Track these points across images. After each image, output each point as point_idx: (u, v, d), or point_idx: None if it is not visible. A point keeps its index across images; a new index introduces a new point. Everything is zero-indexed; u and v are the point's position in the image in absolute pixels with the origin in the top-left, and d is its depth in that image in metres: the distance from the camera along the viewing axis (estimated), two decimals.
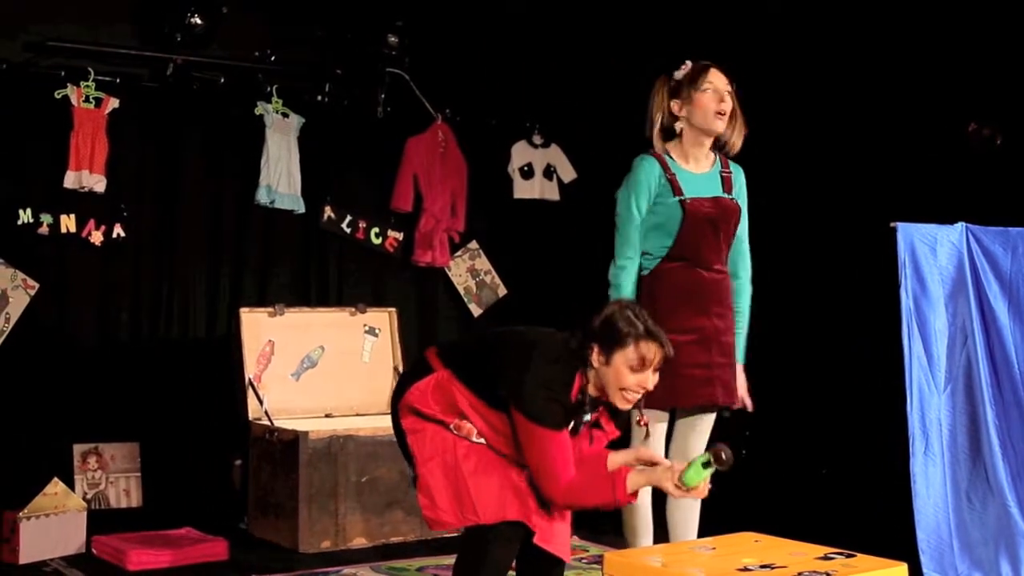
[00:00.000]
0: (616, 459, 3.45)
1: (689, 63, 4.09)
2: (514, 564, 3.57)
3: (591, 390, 3.43)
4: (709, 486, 3.38)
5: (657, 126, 4.12)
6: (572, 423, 3.43)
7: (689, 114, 4.05)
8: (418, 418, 3.50)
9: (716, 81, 4.03)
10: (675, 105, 4.07)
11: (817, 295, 6.15)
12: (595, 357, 3.39)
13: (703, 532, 4.20)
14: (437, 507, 3.45)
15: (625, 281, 4.02)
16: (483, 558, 3.39)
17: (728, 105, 4.04)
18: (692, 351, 4.01)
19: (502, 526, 3.39)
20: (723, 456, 3.30)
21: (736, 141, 4.13)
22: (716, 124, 4.04)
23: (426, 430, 3.49)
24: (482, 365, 3.49)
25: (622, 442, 3.73)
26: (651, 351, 3.36)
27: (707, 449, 3.57)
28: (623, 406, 3.44)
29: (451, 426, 3.47)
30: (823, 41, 6.12)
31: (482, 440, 3.47)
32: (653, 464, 3.43)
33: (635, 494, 3.37)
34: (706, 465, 3.30)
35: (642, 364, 3.35)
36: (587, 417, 3.47)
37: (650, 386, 3.40)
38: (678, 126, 4.09)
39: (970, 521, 4.82)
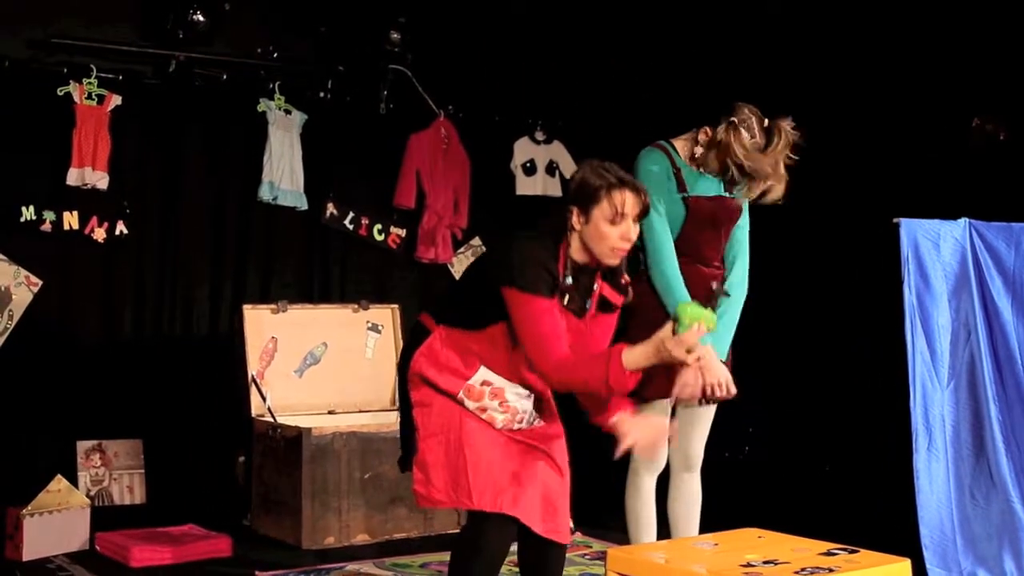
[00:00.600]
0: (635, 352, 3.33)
1: (759, 150, 3.97)
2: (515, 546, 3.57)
3: (577, 256, 3.40)
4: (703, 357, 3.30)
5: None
6: (568, 297, 3.39)
7: (710, 171, 4.01)
8: (429, 389, 3.46)
9: (754, 191, 4.02)
10: (711, 158, 3.98)
11: (820, 291, 6.15)
12: (575, 219, 3.37)
13: (706, 528, 4.19)
14: (431, 484, 3.43)
15: (674, 272, 3.98)
16: (478, 546, 3.38)
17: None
18: None
19: (497, 515, 3.37)
20: (720, 295, 3.30)
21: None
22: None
23: (433, 405, 3.45)
24: (470, 287, 3.50)
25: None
26: (626, 199, 3.34)
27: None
28: (611, 262, 3.41)
29: (460, 394, 3.43)
30: (825, 38, 6.11)
31: (495, 402, 3.44)
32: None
33: (635, 376, 3.26)
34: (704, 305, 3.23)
35: (620, 214, 3.34)
36: (569, 280, 3.38)
37: (632, 236, 3.37)
38: (698, 142, 4.05)
39: (973, 517, 4.82)
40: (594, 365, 3.28)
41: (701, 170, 4.03)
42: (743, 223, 4.20)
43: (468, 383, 3.44)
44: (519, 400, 3.50)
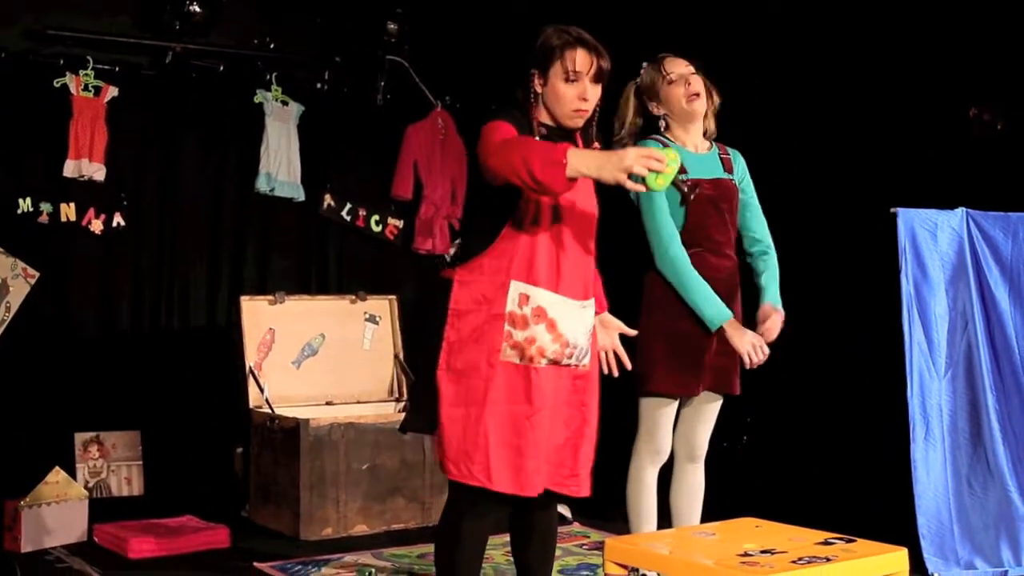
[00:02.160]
0: None
1: (646, 63, 4.12)
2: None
3: (545, 119, 3.38)
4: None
5: (626, 128, 4.14)
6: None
7: (668, 108, 4.08)
8: (460, 355, 3.31)
9: (675, 68, 4.06)
10: (653, 106, 4.10)
11: (818, 281, 6.14)
12: (536, 83, 3.36)
13: (704, 517, 4.20)
14: (447, 456, 3.31)
15: (678, 254, 3.98)
16: (457, 536, 3.36)
17: (696, 86, 4.06)
18: (700, 340, 4.01)
19: (479, 500, 3.32)
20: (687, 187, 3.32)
21: (710, 124, 4.15)
22: (694, 108, 4.07)
23: (460, 373, 3.31)
24: (469, 201, 3.45)
25: None
26: (581, 58, 3.30)
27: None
28: (573, 124, 3.36)
29: (504, 327, 3.29)
30: (823, 27, 6.10)
31: (541, 326, 3.29)
32: None
33: (568, 181, 3.04)
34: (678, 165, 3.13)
35: (575, 73, 3.30)
36: (541, 135, 3.33)
37: (589, 96, 3.33)
38: (661, 123, 4.11)
39: (971, 506, 4.83)
40: (540, 143, 3.15)
41: (684, 146, 4.06)
42: (756, 206, 4.21)
43: (509, 311, 3.30)
44: (567, 320, 3.35)
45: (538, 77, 3.35)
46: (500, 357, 3.30)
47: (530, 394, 3.33)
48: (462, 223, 3.69)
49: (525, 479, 3.31)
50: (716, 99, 4.13)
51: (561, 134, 3.37)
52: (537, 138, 3.31)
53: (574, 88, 3.32)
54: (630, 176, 3.05)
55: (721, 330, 3.98)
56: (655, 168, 3.05)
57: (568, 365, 3.39)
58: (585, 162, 3.04)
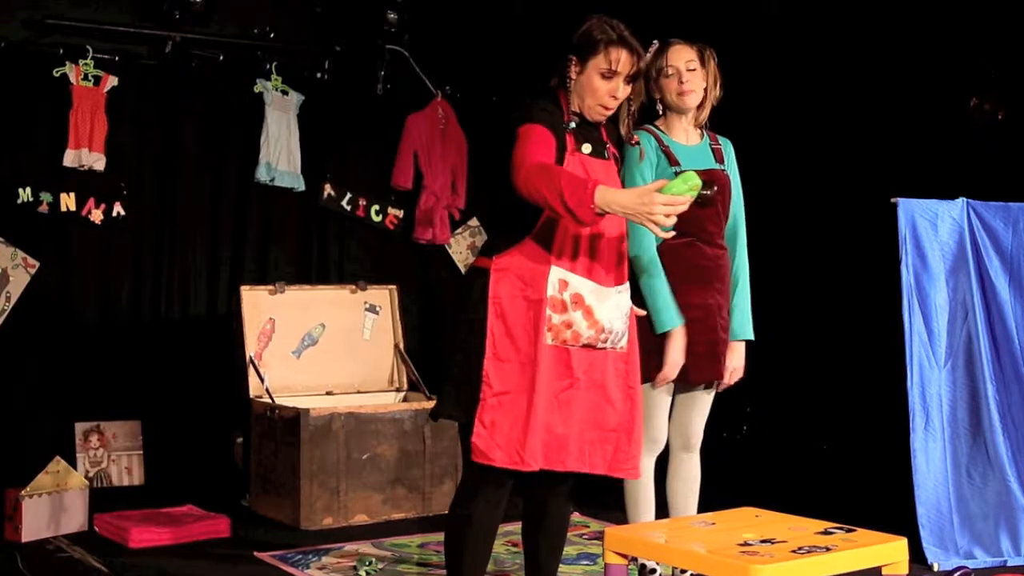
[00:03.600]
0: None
1: (656, 43, 4.08)
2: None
3: (575, 106, 3.43)
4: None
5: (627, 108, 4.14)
6: (587, 144, 3.41)
7: (661, 96, 4.07)
8: (506, 342, 3.33)
9: (675, 61, 4.04)
10: (652, 89, 4.09)
11: (818, 271, 6.16)
12: (573, 69, 3.41)
13: (703, 507, 4.20)
14: (493, 442, 3.30)
15: (654, 260, 3.96)
16: (468, 516, 3.37)
17: (691, 83, 4.04)
18: (696, 328, 4.01)
19: (497, 484, 3.35)
20: (712, 191, 3.51)
21: (703, 114, 4.13)
22: (683, 103, 4.05)
23: (510, 360, 3.33)
24: (505, 188, 3.47)
25: None
26: (621, 57, 3.37)
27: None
28: (596, 118, 3.44)
29: (545, 311, 3.32)
30: (824, 16, 6.10)
31: (578, 313, 3.34)
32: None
33: (595, 215, 3.14)
34: (697, 191, 3.24)
35: (612, 70, 3.37)
36: (574, 125, 3.39)
37: (620, 95, 3.41)
38: (659, 107, 4.11)
39: (970, 496, 4.83)
40: (573, 177, 3.20)
41: (674, 138, 4.04)
42: (738, 197, 4.20)
43: (549, 295, 3.33)
44: (603, 307, 3.38)
45: (575, 64, 3.41)
46: (543, 340, 3.34)
47: (568, 369, 3.38)
48: (494, 212, 3.67)
49: (569, 458, 3.37)
50: (717, 92, 4.11)
51: (589, 124, 3.45)
52: (572, 125, 3.40)
53: (608, 84, 3.39)
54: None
55: (678, 330, 3.98)
56: (679, 212, 3.19)
57: (603, 348, 3.43)
58: (613, 201, 3.15)
